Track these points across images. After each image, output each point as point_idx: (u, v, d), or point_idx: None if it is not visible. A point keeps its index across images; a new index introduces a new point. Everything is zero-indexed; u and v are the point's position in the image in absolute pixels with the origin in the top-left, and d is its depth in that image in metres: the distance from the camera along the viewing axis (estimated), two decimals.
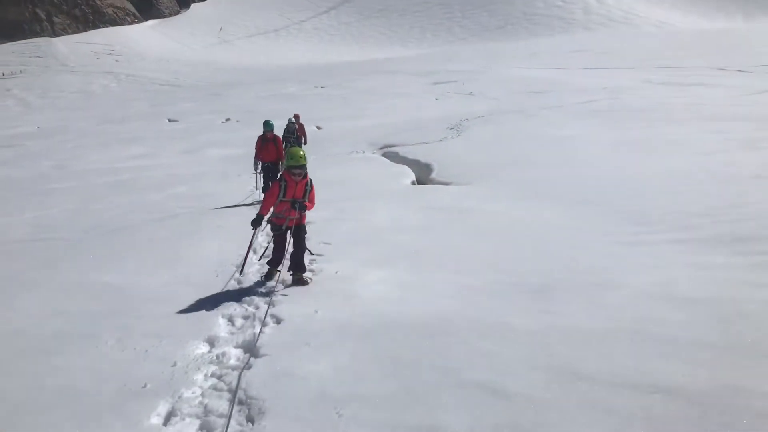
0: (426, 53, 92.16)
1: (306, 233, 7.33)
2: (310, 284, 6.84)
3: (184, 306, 6.24)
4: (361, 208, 11.41)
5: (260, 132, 14.01)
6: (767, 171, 10.86)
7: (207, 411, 4.16)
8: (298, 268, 7.01)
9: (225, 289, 6.83)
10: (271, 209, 7.13)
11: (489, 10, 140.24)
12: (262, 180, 13.53)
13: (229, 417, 3.96)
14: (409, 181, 15.31)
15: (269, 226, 7.37)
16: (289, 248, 7.10)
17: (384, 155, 20.10)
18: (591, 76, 43.47)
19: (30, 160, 25.94)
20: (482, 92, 39.59)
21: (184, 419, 4.06)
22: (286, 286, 6.78)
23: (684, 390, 3.80)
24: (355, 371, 4.45)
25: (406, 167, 17.06)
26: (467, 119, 26.74)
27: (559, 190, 11.50)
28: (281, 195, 7.00)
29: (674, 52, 58.75)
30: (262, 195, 13.32)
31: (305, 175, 7.06)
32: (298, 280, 6.92)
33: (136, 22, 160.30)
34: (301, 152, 7.04)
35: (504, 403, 3.85)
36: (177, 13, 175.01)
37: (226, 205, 12.51)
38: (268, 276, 7.25)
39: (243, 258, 7.56)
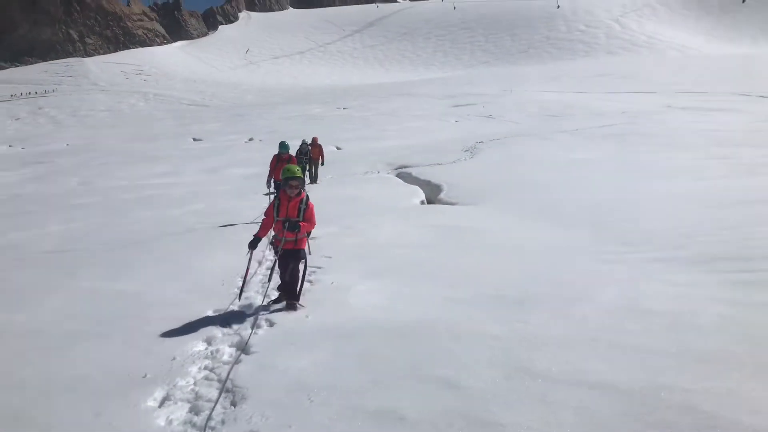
0: (448, 76, 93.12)
1: (304, 259, 7.14)
2: (306, 294, 7.15)
3: (189, 311, 6.78)
4: (367, 224, 11.90)
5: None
6: (761, 196, 11.21)
7: (197, 397, 4.71)
8: (289, 295, 6.98)
9: (228, 297, 7.35)
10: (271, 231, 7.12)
11: (512, 35, 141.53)
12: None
13: (216, 401, 4.50)
14: (418, 201, 15.78)
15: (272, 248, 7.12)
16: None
17: (398, 175, 20.63)
18: (611, 101, 43.74)
19: (59, 177, 26.96)
20: (501, 115, 40.07)
21: (176, 403, 4.62)
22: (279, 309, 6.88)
23: (616, 386, 4.25)
24: (332, 366, 4.97)
25: (417, 187, 17.56)
26: (482, 141, 27.27)
27: (558, 210, 11.92)
28: (275, 214, 6.93)
29: (697, 77, 58.85)
30: None
31: (300, 192, 7.01)
32: (289, 306, 6.88)
33: (165, 43, 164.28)
34: (297, 167, 7.10)
35: (457, 394, 4.33)
36: (205, 34, 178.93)
37: (241, 222, 13.09)
38: (278, 300, 7.09)
39: (241, 283, 7.39)
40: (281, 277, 7.00)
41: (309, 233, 7.24)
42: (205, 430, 4.12)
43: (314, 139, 21.09)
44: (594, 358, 4.79)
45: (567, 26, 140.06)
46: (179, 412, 4.48)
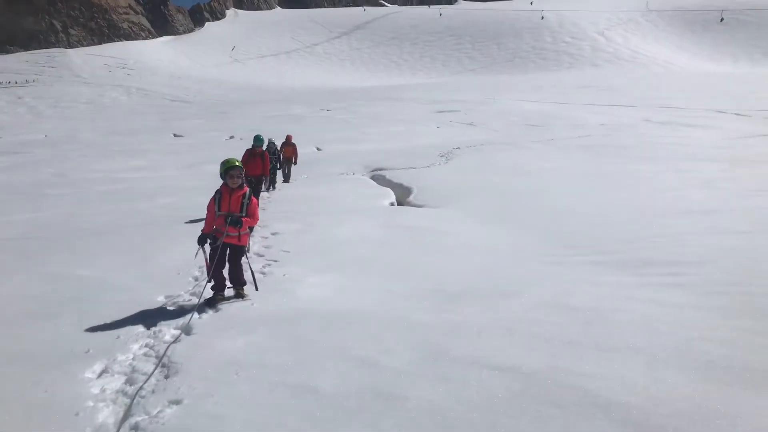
0: (434, 82, 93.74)
1: (245, 254, 7.09)
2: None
3: (141, 296, 7.05)
4: (331, 223, 12.20)
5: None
6: (706, 207, 11.70)
7: (134, 370, 5.03)
8: (236, 282, 7.04)
9: (180, 285, 7.63)
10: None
11: (498, 43, 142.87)
12: None
13: (151, 374, 4.82)
14: (387, 203, 16.09)
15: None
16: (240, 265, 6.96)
17: (372, 178, 20.95)
18: (592, 112, 44.37)
19: (34, 167, 26.98)
20: (483, 123, 40.55)
21: (113, 375, 4.92)
22: (228, 297, 7.04)
23: (519, 369, 4.64)
24: (264, 347, 5.31)
25: (389, 189, 17.89)
26: (459, 148, 27.70)
27: (516, 215, 12.35)
28: (217, 209, 6.80)
29: (677, 92, 59.70)
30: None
31: (242, 186, 6.88)
32: (237, 294, 7.00)
33: (151, 38, 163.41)
34: (237, 159, 6.97)
35: (373, 372, 4.69)
36: (191, 30, 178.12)
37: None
38: (211, 302, 6.81)
39: (207, 270, 6.97)
40: (218, 276, 6.87)
41: (252, 229, 7.24)
42: (134, 398, 4.43)
43: (288, 138, 21.30)
44: (508, 345, 5.16)
45: (553, 37, 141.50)
46: (115, 383, 4.78)
